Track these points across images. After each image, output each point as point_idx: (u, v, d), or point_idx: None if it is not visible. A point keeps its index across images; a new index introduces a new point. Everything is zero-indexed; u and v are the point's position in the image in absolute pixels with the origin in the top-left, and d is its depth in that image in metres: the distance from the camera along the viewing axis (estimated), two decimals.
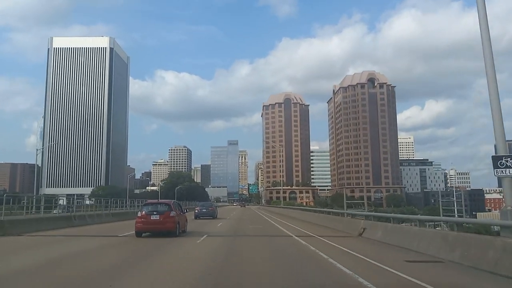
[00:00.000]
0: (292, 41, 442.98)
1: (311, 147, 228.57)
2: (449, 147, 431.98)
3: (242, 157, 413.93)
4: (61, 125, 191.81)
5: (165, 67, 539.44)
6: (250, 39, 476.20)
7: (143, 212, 17.34)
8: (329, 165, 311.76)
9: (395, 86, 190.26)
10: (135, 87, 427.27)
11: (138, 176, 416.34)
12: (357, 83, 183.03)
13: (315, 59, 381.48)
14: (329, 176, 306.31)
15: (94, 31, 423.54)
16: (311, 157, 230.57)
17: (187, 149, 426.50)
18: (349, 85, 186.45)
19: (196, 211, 38.01)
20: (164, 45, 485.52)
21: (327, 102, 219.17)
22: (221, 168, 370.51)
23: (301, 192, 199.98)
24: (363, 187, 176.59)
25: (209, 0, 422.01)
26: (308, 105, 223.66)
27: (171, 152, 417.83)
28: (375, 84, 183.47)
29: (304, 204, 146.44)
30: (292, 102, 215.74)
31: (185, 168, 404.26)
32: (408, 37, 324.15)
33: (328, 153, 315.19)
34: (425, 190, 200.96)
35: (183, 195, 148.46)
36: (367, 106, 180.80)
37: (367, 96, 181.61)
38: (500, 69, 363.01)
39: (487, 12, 11.02)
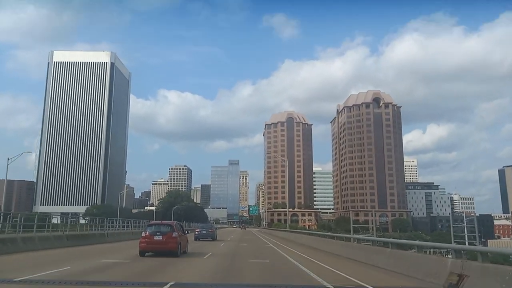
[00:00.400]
0: (295, 63, 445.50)
1: (313, 168, 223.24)
2: (451, 171, 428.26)
3: (243, 178, 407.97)
4: (59, 141, 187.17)
5: (168, 86, 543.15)
6: (253, 59, 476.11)
7: (147, 233, 18.09)
8: (331, 187, 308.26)
9: (400, 107, 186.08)
10: (138, 106, 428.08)
11: (137, 195, 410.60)
12: (362, 103, 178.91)
13: (318, 81, 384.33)
14: (332, 199, 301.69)
15: (98, 49, 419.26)
16: (314, 179, 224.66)
17: (187, 169, 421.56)
18: (353, 105, 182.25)
19: (196, 232, 38.52)
20: (167, 65, 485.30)
21: (331, 122, 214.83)
22: (222, 188, 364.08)
23: (303, 215, 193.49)
24: (369, 211, 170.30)
25: (214, 22, 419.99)
26: (311, 124, 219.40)
27: (171, 171, 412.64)
28: (380, 104, 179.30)
29: (307, 227, 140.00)
30: (295, 121, 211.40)
31: (185, 188, 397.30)
32: (410, 60, 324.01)
33: (331, 175, 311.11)
34: (431, 214, 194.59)
35: (180, 216, 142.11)
36: (372, 127, 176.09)
37: (372, 116, 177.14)
38: (502, 93, 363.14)
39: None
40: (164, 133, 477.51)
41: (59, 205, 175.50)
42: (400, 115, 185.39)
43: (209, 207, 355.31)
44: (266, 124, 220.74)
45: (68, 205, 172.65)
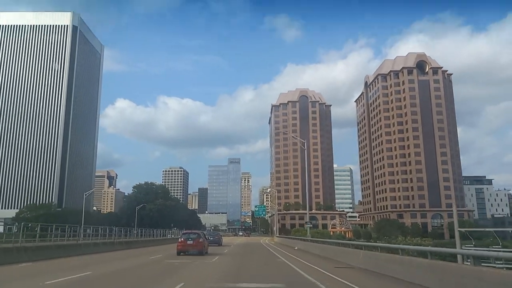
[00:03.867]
0: (297, 66, 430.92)
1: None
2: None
3: (245, 180, 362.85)
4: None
5: (168, 93, 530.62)
6: (255, 64, 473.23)
7: (182, 239, 26.68)
8: (349, 184, 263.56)
9: (451, 74, 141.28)
10: (137, 112, 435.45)
11: None
12: (403, 68, 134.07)
13: (320, 85, 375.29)
14: (349, 199, 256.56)
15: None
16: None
17: (183, 171, 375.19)
18: (390, 71, 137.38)
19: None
20: (167, 72, 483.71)
21: (355, 101, 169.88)
22: (221, 191, 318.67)
23: (323, 218, 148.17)
24: (417, 211, 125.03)
25: (214, 27, 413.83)
26: (330, 105, 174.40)
27: (165, 174, 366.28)
28: (427, 70, 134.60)
29: (332, 233, 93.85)
30: (310, 100, 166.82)
31: (181, 193, 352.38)
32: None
33: (348, 172, 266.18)
34: (495, 215, 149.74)
35: (153, 219, 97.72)
36: (418, 100, 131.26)
37: (416, 86, 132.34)
38: (510, 96, 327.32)
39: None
40: (164, 140, 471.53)
41: None
42: (452, 85, 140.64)
43: (206, 212, 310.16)
44: (272, 106, 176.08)
45: (7, 208, 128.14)
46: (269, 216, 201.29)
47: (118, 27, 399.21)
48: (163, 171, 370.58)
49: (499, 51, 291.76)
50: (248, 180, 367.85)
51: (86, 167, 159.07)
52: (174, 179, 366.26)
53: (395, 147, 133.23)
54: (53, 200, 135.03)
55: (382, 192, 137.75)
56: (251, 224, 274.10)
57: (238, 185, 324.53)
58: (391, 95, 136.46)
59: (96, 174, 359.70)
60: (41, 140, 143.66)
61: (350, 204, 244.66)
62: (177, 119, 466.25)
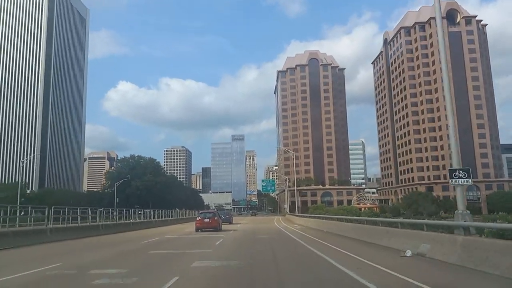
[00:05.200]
0: (301, 43, 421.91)
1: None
2: None
3: (249, 159, 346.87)
4: None
5: (170, 75, 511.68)
6: (258, 42, 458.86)
7: (200, 218, 29.15)
8: (361, 158, 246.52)
9: (486, 25, 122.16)
10: (140, 95, 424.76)
11: None
12: (430, 18, 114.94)
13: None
14: (362, 174, 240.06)
15: (97, 37, 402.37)
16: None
17: (186, 150, 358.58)
18: (415, 23, 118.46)
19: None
20: (169, 55, 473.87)
21: (372, 63, 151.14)
22: (224, 170, 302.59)
23: (339, 194, 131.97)
24: (448, 183, 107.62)
25: (215, 7, 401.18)
26: (344, 68, 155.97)
27: (167, 154, 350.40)
28: (458, 20, 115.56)
29: (360, 210, 76.82)
30: (321, 64, 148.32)
31: (183, 174, 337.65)
32: None
33: (360, 145, 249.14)
34: None
35: (142, 197, 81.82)
36: (449, 54, 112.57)
37: (447, 39, 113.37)
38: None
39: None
40: (168, 122, 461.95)
41: None
42: (487, 38, 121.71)
43: (210, 191, 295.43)
44: (279, 72, 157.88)
45: None
46: (277, 194, 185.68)
47: (117, 7, 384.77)
48: (164, 151, 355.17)
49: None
50: (253, 159, 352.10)
51: (72, 144, 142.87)
52: (177, 159, 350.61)
53: (423, 110, 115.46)
54: (33, 179, 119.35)
55: (407, 163, 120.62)
56: (257, 203, 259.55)
57: (243, 163, 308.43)
58: (417, 50, 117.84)
59: (96, 155, 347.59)
60: (19, 114, 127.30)
61: (363, 179, 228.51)
62: (181, 100, 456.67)
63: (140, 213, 44.10)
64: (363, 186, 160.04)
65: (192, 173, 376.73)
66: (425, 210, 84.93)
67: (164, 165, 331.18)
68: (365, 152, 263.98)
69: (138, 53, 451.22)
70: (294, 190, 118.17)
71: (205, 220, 28.43)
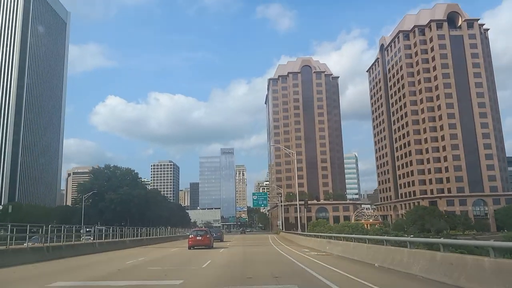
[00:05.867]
0: (291, 59, 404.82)
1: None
2: None
3: (239, 173, 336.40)
4: None
5: (160, 90, 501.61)
6: (248, 57, 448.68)
7: (192, 235, 30.21)
8: (354, 172, 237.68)
9: (488, 29, 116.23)
10: (129, 109, 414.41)
11: None
12: (431, 21, 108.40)
13: None
14: (355, 188, 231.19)
15: (85, 51, 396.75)
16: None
17: (174, 165, 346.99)
18: (415, 27, 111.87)
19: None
20: (159, 69, 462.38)
21: (367, 71, 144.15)
22: (213, 185, 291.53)
23: (335, 209, 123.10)
24: (454, 197, 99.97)
25: (204, 22, 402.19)
26: (338, 77, 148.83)
27: (154, 168, 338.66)
28: (459, 23, 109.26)
29: (366, 227, 67.54)
30: (314, 71, 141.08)
31: (171, 189, 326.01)
32: None
33: (354, 158, 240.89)
34: None
35: (117, 213, 71.81)
36: (450, 59, 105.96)
37: (448, 43, 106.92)
38: (503, 85, 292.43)
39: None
40: (157, 137, 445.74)
41: None
42: (489, 42, 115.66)
43: (198, 207, 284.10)
44: (270, 80, 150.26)
45: None
46: (268, 210, 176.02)
47: (105, 20, 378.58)
48: (151, 165, 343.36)
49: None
50: (243, 173, 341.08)
51: (47, 160, 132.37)
52: (164, 174, 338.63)
53: (424, 119, 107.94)
54: (1, 195, 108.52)
55: (407, 176, 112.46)
56: (247, 219, 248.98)
57: (232, 179, 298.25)
58: (416, 55, 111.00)
59: (81, 170, 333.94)
60: None
61: (356, 194, 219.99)
62: (170, 115, 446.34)
63: (109, 232, 34.97)
64: (359, 201, 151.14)
65: (180, 189, 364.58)
66: (433, 226, 76.51)
67: (151, 180, 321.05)
68: (364, 165, 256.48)
69: (127, 67, 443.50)
70: (288, 204, 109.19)
71: (198, 238, 29.38)
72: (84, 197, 62.61)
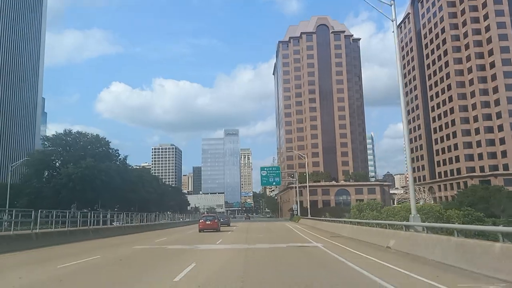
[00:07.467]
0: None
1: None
2: None
3: (244, 157, 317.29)
4: None
5: (164, 75, 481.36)
6: (253, 42, 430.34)
7: (202, 220, 33.80)
8: (371, 153, 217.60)
9: None
10: (134, 96, 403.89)
11: None
12: None
13: None
14: (372, 171, 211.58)
15: (90, 35, 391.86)
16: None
17: (175, 149, 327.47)
18: None
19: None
20: (164, 57, 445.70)
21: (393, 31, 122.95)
22: (217, 168, 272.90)
23: (358, 192, 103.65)
24: (500, 174, 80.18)
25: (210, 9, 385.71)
26: (359, 39, 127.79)
27: (155, 152, 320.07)
28: None
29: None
30: (331, 31, 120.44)
31: (173, 173, 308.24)
32: None
33: (369, 139, 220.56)
34: None
35: (76, 192, 52.68)
36: (506, 3, 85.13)
37: None
38: None
39: None
40: (162, 124, 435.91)
41: None
42: None
43: (200, 192, 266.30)
44: (280, 43, 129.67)
45: None
46: (276, 194, 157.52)
47: (111, 7, 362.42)
48: (152, 149, 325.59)
49: None
50: (248, 157, 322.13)
51: (23, 128, 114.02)
52: (166, 158, 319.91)
53: (471, 80, 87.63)
54: None
55: (448, 151, 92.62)
56: (252, 205, 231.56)
57: (237, 162, 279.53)
58: (462, 2, 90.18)
59: None
60: None
61: (373, 176, 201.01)
62: (175, 102, 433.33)
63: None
64: (386, 182, 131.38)
65: (184, 174, 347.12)
66: (505, 211, 56.97)
67: (152, 165, 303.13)
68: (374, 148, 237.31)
69: (131, 53, 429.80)
70: (303, 186, 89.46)
71: (207, 222, 32.90)
72: (28, 170, 44.06)
